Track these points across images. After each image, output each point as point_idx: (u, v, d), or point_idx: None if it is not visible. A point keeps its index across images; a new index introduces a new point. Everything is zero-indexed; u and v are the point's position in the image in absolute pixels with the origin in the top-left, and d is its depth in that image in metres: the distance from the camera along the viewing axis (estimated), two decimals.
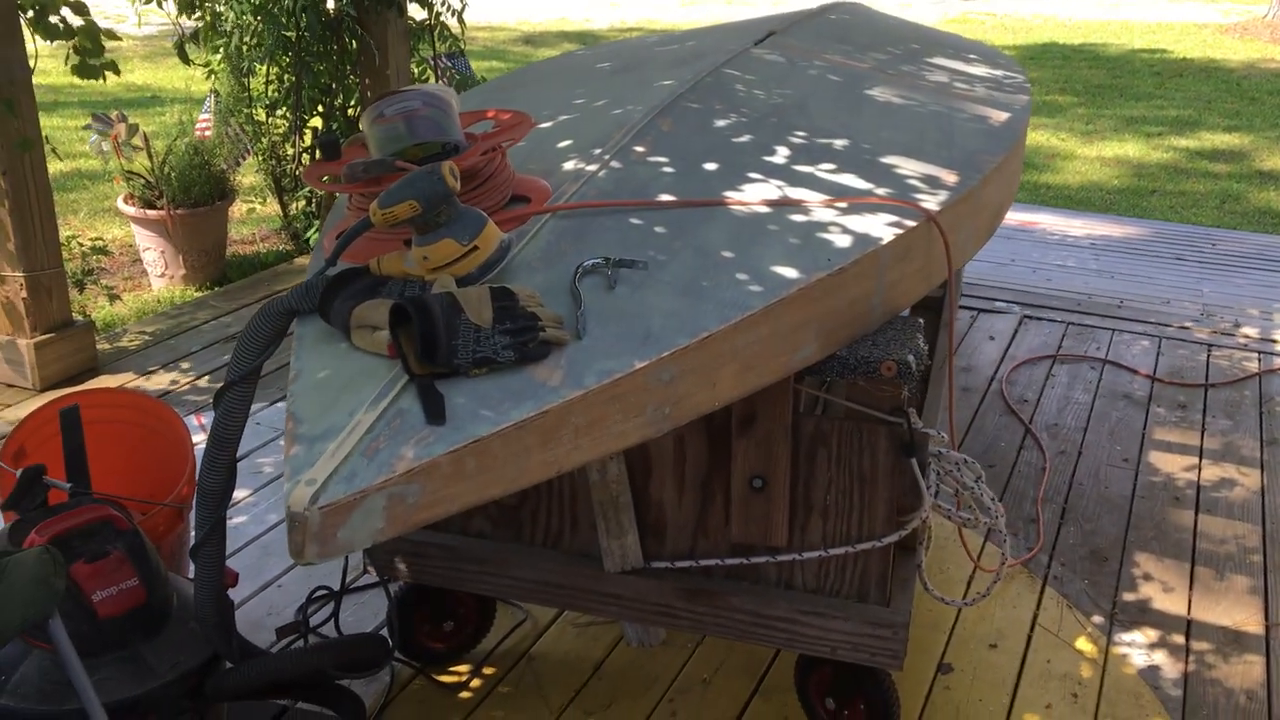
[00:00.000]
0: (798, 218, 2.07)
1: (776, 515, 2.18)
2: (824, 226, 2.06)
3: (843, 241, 2.01)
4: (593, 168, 2.14)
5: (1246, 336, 4.49)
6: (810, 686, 2.38)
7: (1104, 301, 4.83)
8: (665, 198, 2.06)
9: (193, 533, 2.86)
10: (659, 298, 1.78)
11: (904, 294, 2.18)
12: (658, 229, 1.96)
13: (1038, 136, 8.49)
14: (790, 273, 1.89)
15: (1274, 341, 4.44)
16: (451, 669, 2.61)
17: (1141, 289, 5.03)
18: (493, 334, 1.60)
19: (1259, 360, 4.28)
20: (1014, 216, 6.19)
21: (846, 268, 1.95)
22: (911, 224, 2.13)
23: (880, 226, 2.09)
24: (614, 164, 2.17)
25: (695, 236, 1.96)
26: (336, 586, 2.85)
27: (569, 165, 2.18)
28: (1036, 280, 5.10)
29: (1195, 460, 3.57)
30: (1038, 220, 6.15)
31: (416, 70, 5.47)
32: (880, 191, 2.23)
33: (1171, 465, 3.54)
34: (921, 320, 2.18)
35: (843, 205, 2.15)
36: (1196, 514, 3.28)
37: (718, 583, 2.28)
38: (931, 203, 2.23)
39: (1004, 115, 2.89)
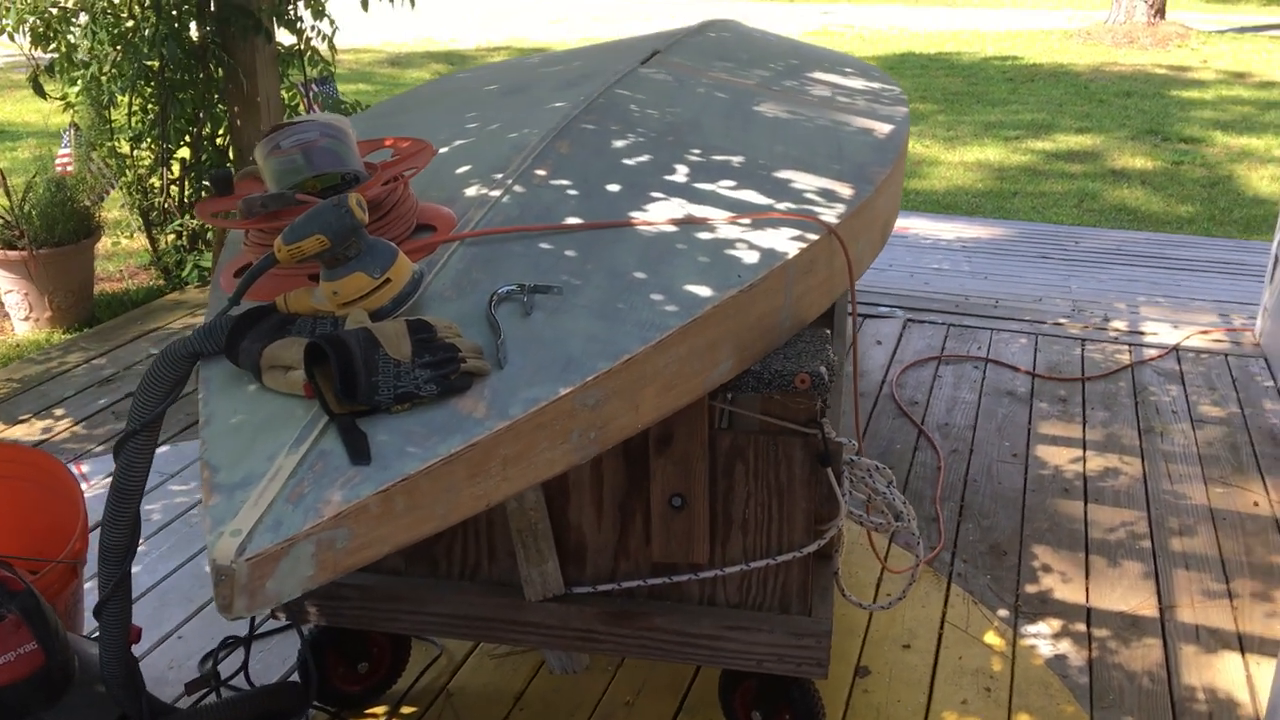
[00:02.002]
0: (704, 235, 2.08)
1: (697, 532, 2.18)
2: (731, 243, 2.07)
3: (750, 257, 2.03)
4: (496, 193, 2.11)
5: (1116, 330, 4.68)
6: (735, 701, 2.38)
7: (981, 302, 4.99)
8: (572, 220, 2.05)
9: (86, 588, 2.74)
10: (576, 322, 1.77)
11: (810, 306, 2.21)
12: (568, 252, 1.95)
13: None
14: (703, 291, 1.89)
15: (1142, 334, 4.64)
16: (368, 711, 2.54)
17: (1014, 288, 5.21)
18: (413, 368, 1.57)
19: (1130, 352, 4.46)
20: None
21: (756, 283, 1.97)
22: (814, 237, 2.15)
23: (785, 241, 2.11)
24: (517, 188, 2.14)
25: (606, 258, 1.95)
26: (243, 634, 2.75)
27: (471, 191, 2.15)
28: (915, 284, 5.24)
29: (1080, 452, 3.70)
30: (909, 225, 6.32)
31: (286, 96, 5.35)
32: (781, 206, 2.26)
33: (1058, 458, 3.66)
34: (829, 331, 2.21)
35: (747, 221, 2.16)
36: (1086, 504, 3.39)
37: (641, 604, 2.27)
38: (830, 215, 2.26)
39: (887, 127, 2.96)
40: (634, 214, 2.12)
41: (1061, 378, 4.24)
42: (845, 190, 2.42)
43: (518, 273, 1.88)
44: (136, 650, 2.68)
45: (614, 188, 2.21)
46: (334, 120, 1.95)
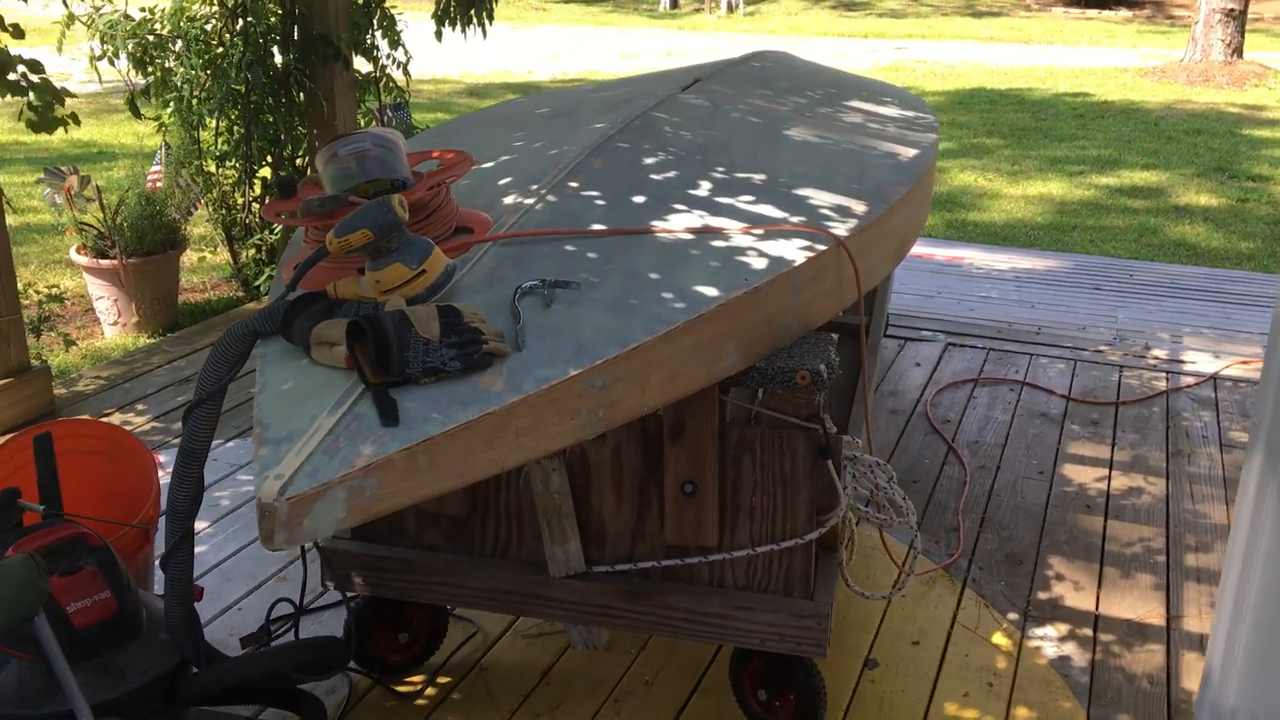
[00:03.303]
0: (718, 243, 2.28)
1: (707, 518, 2.37)
2: (742, 251, 2.26)
3: (759, 264, 2.22)
4: (530, 201, 2.33)
5: (1156, 358, 4.76)
6: (744, 680, 2.55)
7: (1023, 329, 5.10)
8: (597, 227, 2.26)
9: (158, 551, 2.99)
10: (591, 314, 1.97)
11: (817, 312, 2.39)
12: (590, 254, 2.16)
13: (966, 177, 8.84)
14: (711, 291, 2.09)
15: (1182, 362, 4.72)
16: (407, 679, 2.75)
17: (1060, 316, 5.31)
18: (440, 346, 1.78)
19: (1167, 379, 4.55)
20: (941, 252, 6.47)
21: (762, 287, 2.16)
22: (822, 248, 2.34)
23: (793, 250, 2.30)
24: (550, 198, 2.36)
25: (624, 261, 2.15)
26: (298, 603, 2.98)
27: (508, 199, 2.37)
28: (960, 310, 5.36)
29: (1105, 471, 3.80)
30: (963, 256, 6.44)
31: (363, 121, 5.66)
32: (794, 219, 2.45)
33: (1083, 476, 3.77)
34: (835, 335, 2.38)
35: (759, 232, 2.36)
36: (1106, 520, 3.50)
37: (655, 583, 2.45)
38: (841, 229, 2.44)
39: (913, 151, 3.13)
40: (655, 222, 2.32)
41: (1096, 401, 4.35)
42: (859, 207, 2.60)
43: (543, 271, 2.09)
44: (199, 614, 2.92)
45: (639, 199, 2.42)
46: (386, 133, 2.19)
